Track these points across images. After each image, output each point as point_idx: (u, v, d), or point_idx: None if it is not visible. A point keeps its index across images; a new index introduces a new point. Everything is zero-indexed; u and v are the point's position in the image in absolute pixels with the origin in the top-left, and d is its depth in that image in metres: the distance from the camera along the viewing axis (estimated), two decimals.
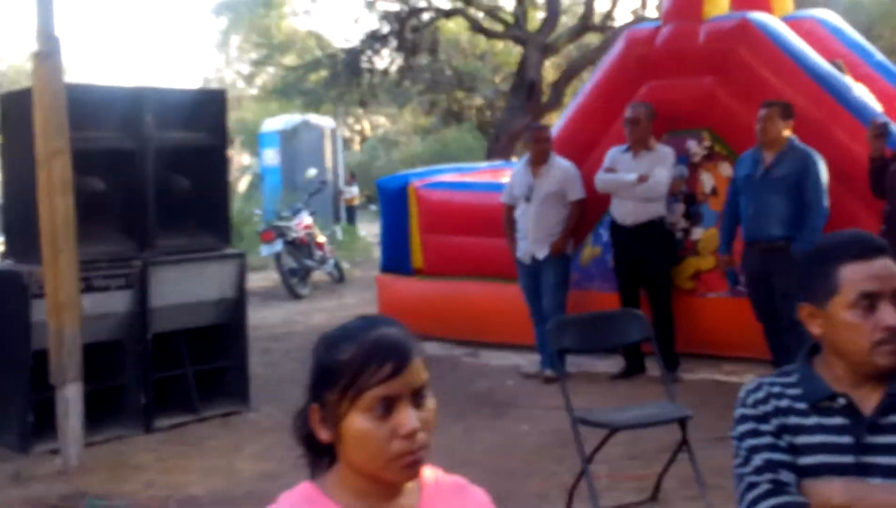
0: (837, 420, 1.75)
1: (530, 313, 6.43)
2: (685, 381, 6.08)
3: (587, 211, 6.40)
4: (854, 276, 1.73)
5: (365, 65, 15.09)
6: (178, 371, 5.71)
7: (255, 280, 12.48)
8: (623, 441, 4.40)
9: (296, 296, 11.03)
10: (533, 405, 5.85)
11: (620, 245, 6.33)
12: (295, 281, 11.14)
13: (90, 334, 5.24)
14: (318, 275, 11.89)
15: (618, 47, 6.58)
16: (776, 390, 1.81)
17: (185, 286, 5.61)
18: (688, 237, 6.37)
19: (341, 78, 14.97)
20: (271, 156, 17.87)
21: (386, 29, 14.28)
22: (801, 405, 1.78)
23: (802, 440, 1.75)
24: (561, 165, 6.35)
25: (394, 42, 14.29)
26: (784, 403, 1.78)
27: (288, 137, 17.66)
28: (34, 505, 4.38)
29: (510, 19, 15.12)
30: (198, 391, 5.80)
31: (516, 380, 6.58)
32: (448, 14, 15.18)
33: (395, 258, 7.99)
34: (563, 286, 6.37)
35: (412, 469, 1.35)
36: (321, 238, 11.77)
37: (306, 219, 11.49)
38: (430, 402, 1.37)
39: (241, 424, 5.78)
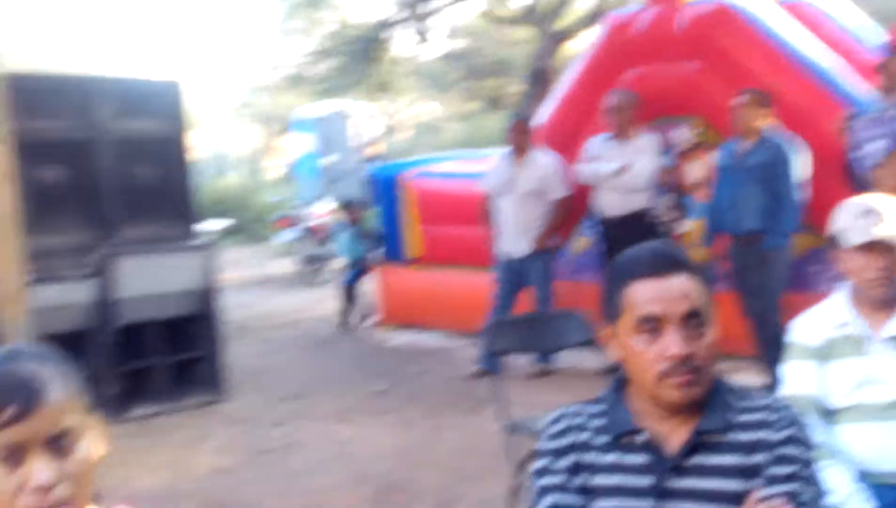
0: (639, 459, 1.52)
1: (496, 307, 6.15)
2: None
3: (576, 202, 6.16)
4: (637, 296, 1.50)
5: (379, 52, 14.92)
6: (148, 362, 5.68)
7: (277, 267, 12.54)
8: None
9: (312, 284, 11.01)
10: (514, 402, 5.67)
11: (607, 237, 6.09)
12: (311, 269, 11.12)
13: (50, 324, 5.24)
14: (339, 263, 11.84)
15: (600, 33, 6.32)
16: (578, 421, 1.60)
17: (151, 277, 5.58)
18: (674, 230, 6.09)
19: (356, 65, 14.85)
20: (305, 143, 17.85)
21: (400, 15, 14.13)
22: (603, 439, 1.56)
23: (599, 480, 1.54)
24: (541, 161, 6.12)
25: (407, 27, 14.12)
26: (584, 437, 1.57)
27: (322, 124, 17.62)
28: None
29: (524, 5, 14.82)
30: (174, 382, 5.79)
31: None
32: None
33: (392, 248, 7.88)
34: (549, 281, 6.15)
35: None
36: None
37: (322, 207, 11.44)
38: (85, 449, 1.21)
39: (213, 415, 5.74)
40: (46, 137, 5.04)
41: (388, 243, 7.94)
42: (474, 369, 6.14)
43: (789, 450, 1.49)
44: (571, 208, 6.18)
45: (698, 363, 1.47)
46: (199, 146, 22.35)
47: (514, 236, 6.13)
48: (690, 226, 6.07)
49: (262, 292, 10.91)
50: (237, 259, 14.11)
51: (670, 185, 6.10)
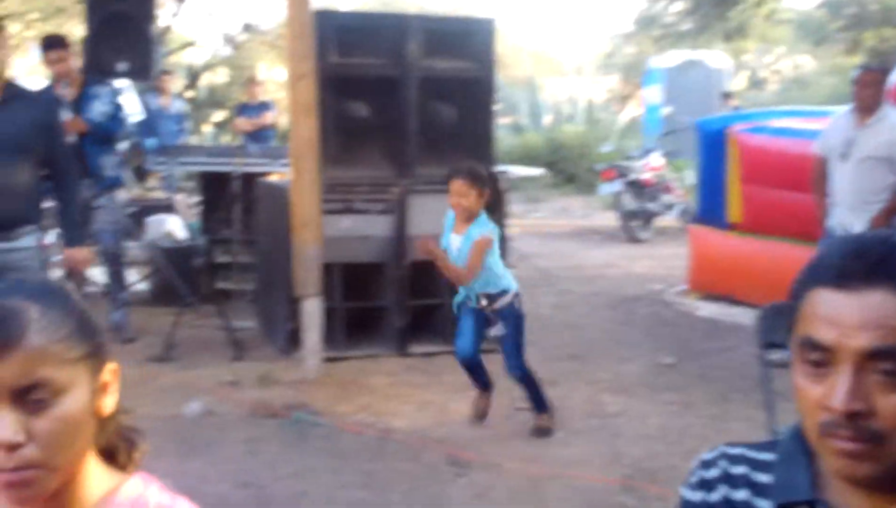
0: None
1: None
2: None
3: None
4: (809, 309, 1.05)
5: None
6: (433, 301, 5.77)
7: (600, 219, 12.30)
8: None
9: (634, 239, 10.66)
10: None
11: None
12: (635, 224, 10.76)
13: (351, 254, 5.51)
14: (668, 220, 11.34)
15: None
16: (738, 470, 1.16)
17: (443, 217, 5.62)
18: None
19: (704, 10, 13.87)
20: (655, 93, 17.29)
21: None
22: (765, 505, 1.13)
23: None
24: (892, 121, 5.25)
25: None
26: (741, 495, 1.15)
27: (674, 75, 16.92)
28: (258, 408, 4.72)
29: None
30: (455, 324, 5.83)
31: None
32: None
33: (710, 209, 7.30)
34: None
35: (13, 491, 1.02)
36: (674, 182, 11.17)
37: (655, 160, 10.97)
38: (67, 407, 1.03)
39: (487, 362, 5.71)
40: (354, 73, 5.22)
41: (705, 203, 7.37)
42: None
43: None
44: None
45: (878, 428, 1.00)
46: (557, 94, 22.58)
47: (849, 208, 5.35)
48: None
49: (579, 244, 10.76)
50: (565, 208, 14.06)
51: None
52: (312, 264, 4.95)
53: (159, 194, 9.19)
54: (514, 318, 4.38)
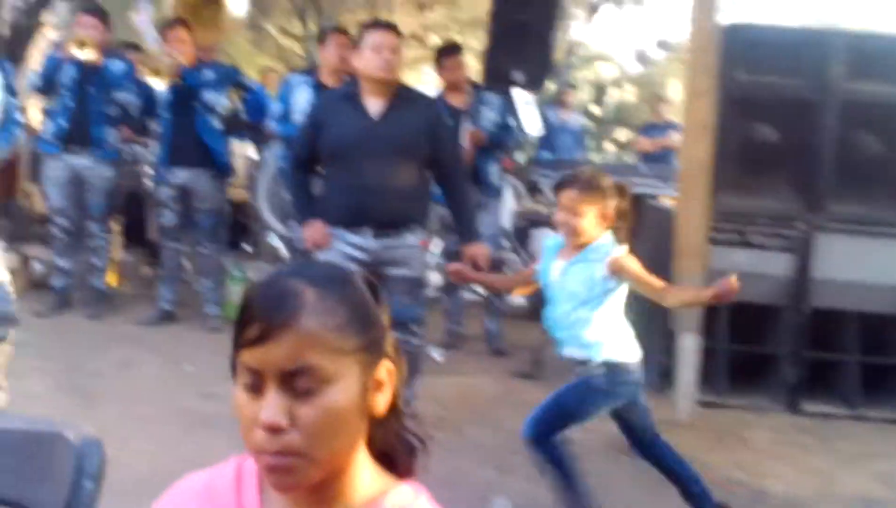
0: None
1: None
2: None
3: None
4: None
5: None
6: (835, 356, 5.12)
7: None
8: None
9: None
10: None
11: None
12: None
13: (741, 292, 5.05)
14: None
15: None
16: None
17: (856, 262, 4.97)
18: None
19: None
20: None
21: None
22: None
23: None
24: None
25: None
26: None
27: None
28: (614, 442, 4.45)
29: None
30: (861, 386, 5.14)
31: None
32: None
33: None
34: None
35: (273, 476, 1.01)
36: None
37: None
38: (333, 398, 0.99)
39: None
40: (763, 93, 4.77)
41: None
42: None
43: None
44: None
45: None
46: None
47: None
48: None
49: None
50: None
51: None
52: None
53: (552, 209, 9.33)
54: (585, 387, 3.33)
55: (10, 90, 4.38)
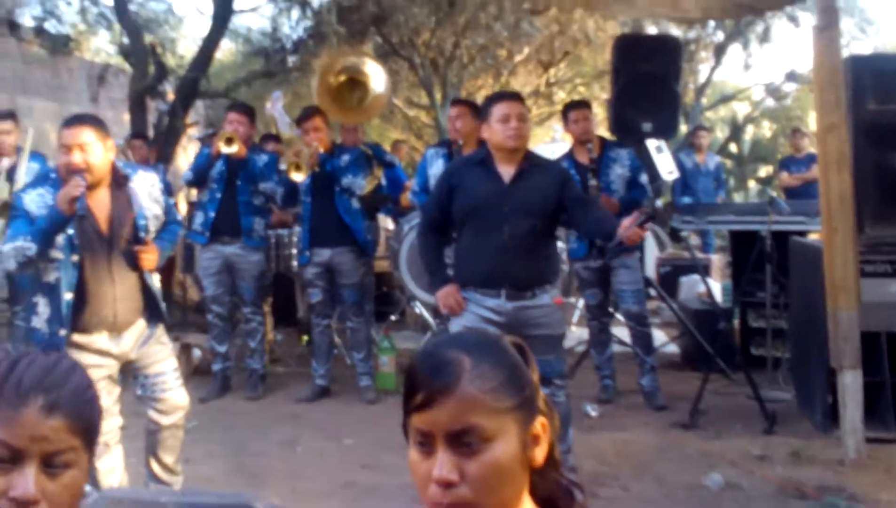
0: None
1: None
2: None
3: None
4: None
5: None
6: None
7: None
8: None
9: None
10: None
11: None
12: None
13: (886, 322, 5.03)
14: None
15: None
16: None
17: None
18: None
19: None
20: None
21: None
22: None
23: None
24: None
25: None
26: None
27: None
28: (787, 486, 4.48)
29: None
30: None
31: None
32: None
33: None
34: None
35: None
36: None
37: None
38: (492, 453, 1.15)
39: None
40: (893, 121, 4.76)
41: None
42: None
43: None
44: None
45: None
46: None
47: None
48: None
49: None
50: None
51: None
52: (849, 332, 4.59)
53: (697, 254, 9.31)
54: None
55: (168, 190, 4.84)
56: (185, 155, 12.42)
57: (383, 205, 8.24)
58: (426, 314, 7.28)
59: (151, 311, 3.92)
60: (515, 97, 4.28)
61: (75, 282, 3.69)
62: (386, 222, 8.97)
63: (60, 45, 11.00)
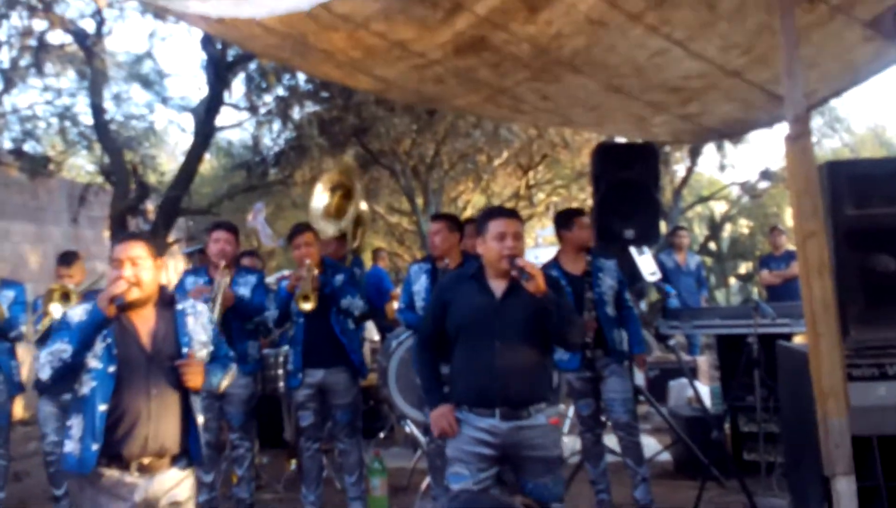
0: None
1: None
2: None
3: None
4: None
5: None
6: None
7: None
8: None
9: None
10: None
11: None
12: None
13: (890, 426, 5.06)
14: None
15: None
16: None
17: None
18: None
19: None
20: None
21: None
22: None
23: None
24: None
25: None
26: None
27: None
28: None
29: None
30: None
31: None
32: None
33: None
34: None
35: None
36: None
37: None
38: None
39: None
40: (874, 225, 4.89)
41: None
42: None
43: None
44: None
45: None
46: None
47: None
48: None
49: None
50: None
51: None
52: (841, 438, 4.62)
53: (683, 356, 9.36)
54: None
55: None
56: (166, 274, 12.48)
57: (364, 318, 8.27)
58: (416, 432, 7.24)
59: (188, 443, 3.80)
60: (512, 214, 4.31)
61: (110, 394, 3.63)
62: (371, 334, 8.99)
63: (39, 167, 11.06)
